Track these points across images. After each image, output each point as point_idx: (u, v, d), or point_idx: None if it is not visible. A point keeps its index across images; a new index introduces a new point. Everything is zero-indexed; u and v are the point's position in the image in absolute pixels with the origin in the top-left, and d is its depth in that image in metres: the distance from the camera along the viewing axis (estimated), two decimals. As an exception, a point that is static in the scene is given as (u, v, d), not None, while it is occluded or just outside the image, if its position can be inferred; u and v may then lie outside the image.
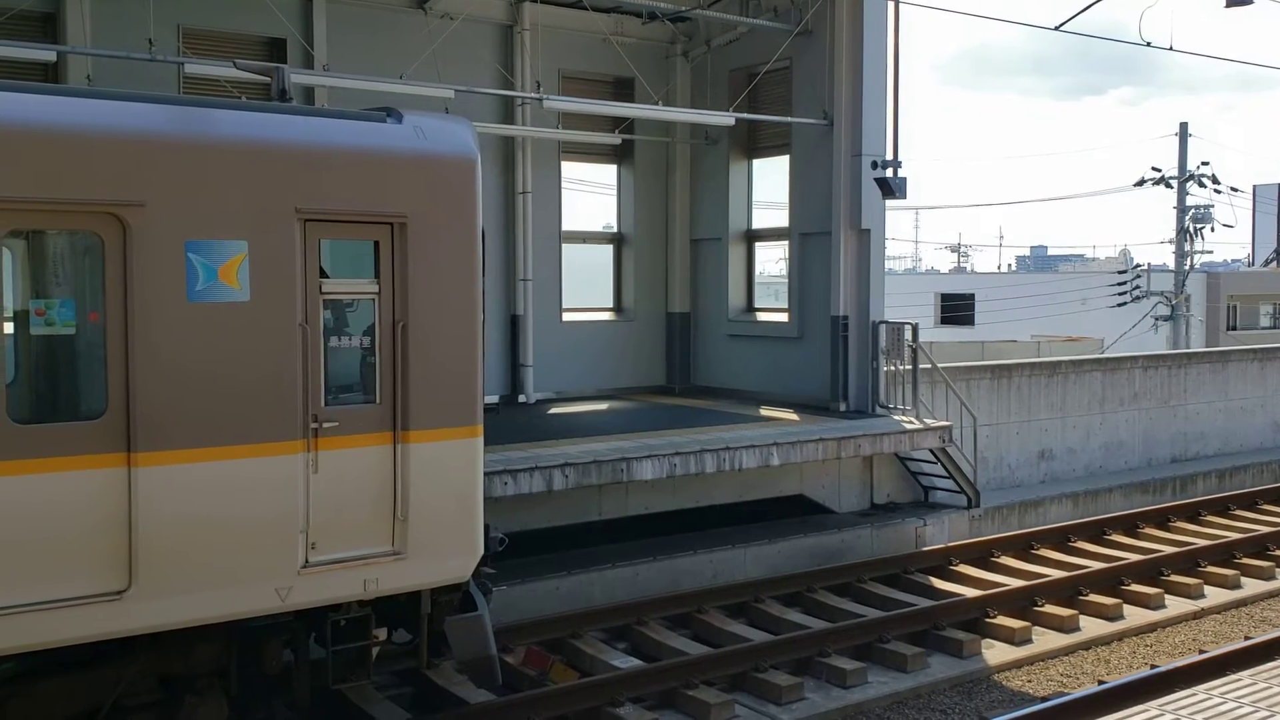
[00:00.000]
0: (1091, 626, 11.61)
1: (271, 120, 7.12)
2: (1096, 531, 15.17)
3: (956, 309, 51.35)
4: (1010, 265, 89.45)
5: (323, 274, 7.25)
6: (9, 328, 6.36)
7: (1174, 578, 13.01)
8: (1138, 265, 43.61)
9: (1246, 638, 11.25)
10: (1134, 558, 13.73)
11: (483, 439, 7.80)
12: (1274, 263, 62.14)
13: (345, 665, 7.57)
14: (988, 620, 11.36)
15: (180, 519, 6.63)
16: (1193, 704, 6.32)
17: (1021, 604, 11.82)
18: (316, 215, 7.10)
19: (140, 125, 6.63)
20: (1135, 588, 12.58)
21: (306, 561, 7.06)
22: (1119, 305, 41.35)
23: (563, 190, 16.91)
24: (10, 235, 6.34)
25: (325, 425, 7.12)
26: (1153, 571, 13.13)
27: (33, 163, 6.27)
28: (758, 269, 17.63)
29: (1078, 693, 9.49)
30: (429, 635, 7.91)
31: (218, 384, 6.76)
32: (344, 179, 7.20)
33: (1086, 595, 12.19)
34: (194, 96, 7.38)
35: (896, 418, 14.60)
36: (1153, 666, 10.23)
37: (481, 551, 7.84)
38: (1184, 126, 40.43)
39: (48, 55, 11.95)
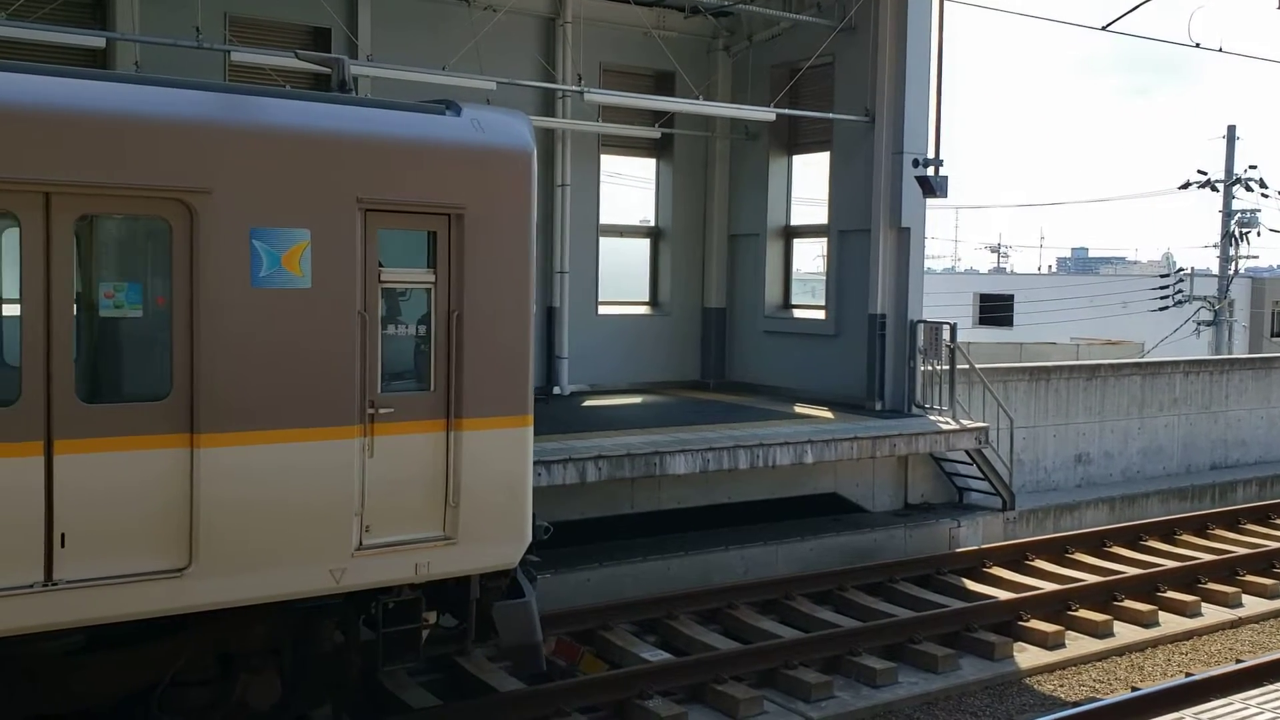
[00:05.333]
0: (1126, 632, 11.51)
1: (335, 111, 7.22)
2: (1133, 537, 15.02)
3: (995, 310, 50.95)
4: (1051, 267, 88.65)
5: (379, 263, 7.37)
6: (78, 310, 6.49)
7: (1211, 585, 12.85)
8: (1180, 269, 43.04)
9: (1284, 648, 11.11)
10: (1170, 564, 13.59)
11: (533, 428, 7.90)
12: (1321, 269, 61.15)
13: (395, 647, 7.67)
14: (1020, 623, 11.28)
15: (240, 500, 6.75)
16: (1227, 713, 6.25)
17: (1055, 608, 11.73)
18: (377, 205, 7.21)
19: (208, 113, 6.75)
20: (1171, 594, 12.44)
21: (360, 544, 7.19)
22: (1161, 309, 40.83)
23: (601, 183, 16.95)
24: (81, 219, 6.47)
25: (381, 411, 7.24)
26: (1189, 579, 12.99)
27: (103, 149, 6.38)
28: (795, 265, 17.58)
29: (1110, 699, 9.41)
30: (475, 620, 8.01)
31: (278, 368, 6.88)
32: (404, 170, 7.30)
33: (1121, 601, 12.07)
34: (260, 85, 7.51)
35: (932, 418, 14.52)
36: (1187, 675, 10.12)
37: (530, 539, 7.95)
38: (1232, 129, 39.82)
39: (96, 41, 12.11)
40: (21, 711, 6.94)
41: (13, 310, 6.38)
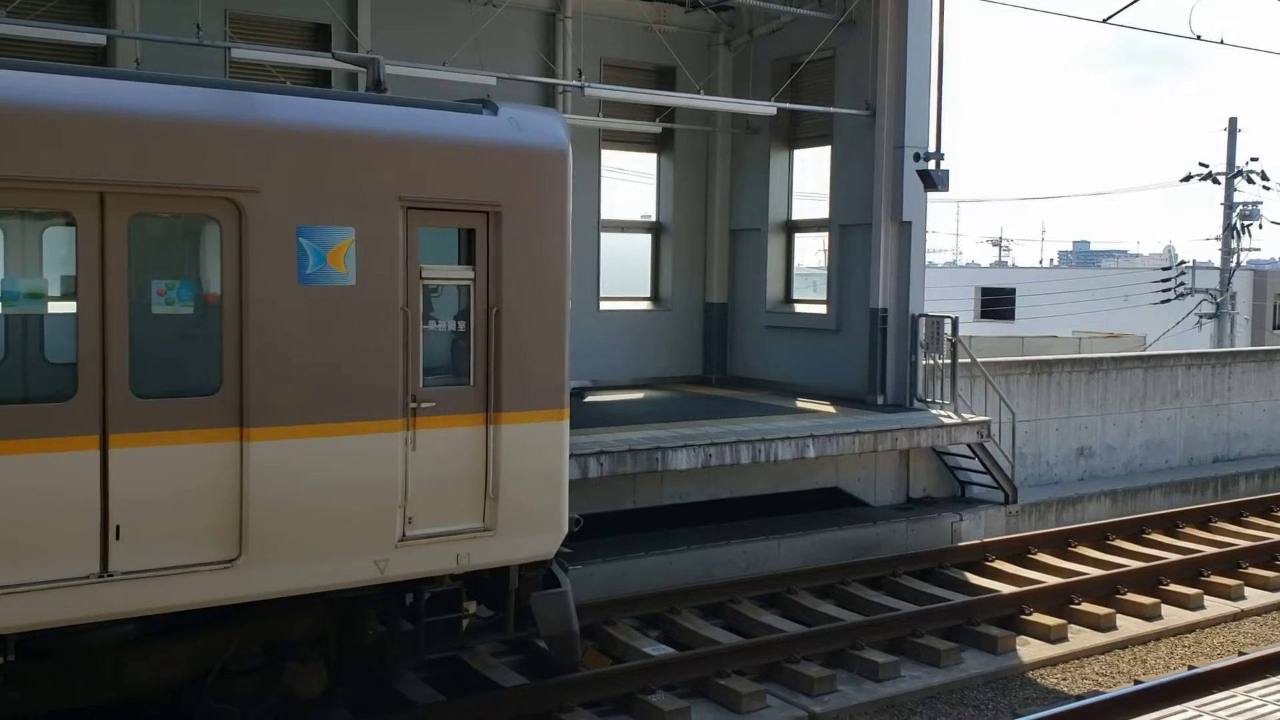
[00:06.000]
0: (1129, 626, 11.51)
1: (378, 111, 7.38)
2: (1135, 530, 15.02)
3: (997, 303, 50.92)
4: (1052, 260, 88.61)
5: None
6: (131, 307, 6.62)
7: (1214, 578, 12.86)
8: (1182, 262, 43.03)
9: (1287, 641, 11.11)
10: (1173, 557, 13.58)
11: (568, 422, 8.09)
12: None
13: (436, 636, 7.86)
14: (1023, 617, 11.29)
15: (288, 492, 6.93)
16: (1231, 706, 6.25)
17: (1058, 601, 11.73)
18: (418, 203, 7.37)
19: (255, 114, 6.92)
20: (1174, 588, 12.45)
21: (404, 535, 7.36)
22: (1162, 302, 40.81)
23: (602, 179, 16.94)
24: (135, 217, 6.60)
25: (423, 405, 7.43)
26: (1192, 572, 12.99)
27: (155, 149, 6.54)
28: (797, 260, 17.57)
29: (1113, 692, 9.41)
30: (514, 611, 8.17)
31: (324, 364, 7.05)
32: (444, 169, 7.47)
33: (1124, 594, 12.08)
34: (304, 87, 7.57)
35: (934, 412, 14.52)
36: (1190, 667, 10.12)
37: (566, 530, 8.12)
38: (1233, 121, 39.78)
39: (97, 39, 12.10)
40: (74, 701, 7.06)
41: (68, 308, 6.51)
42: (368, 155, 7.19)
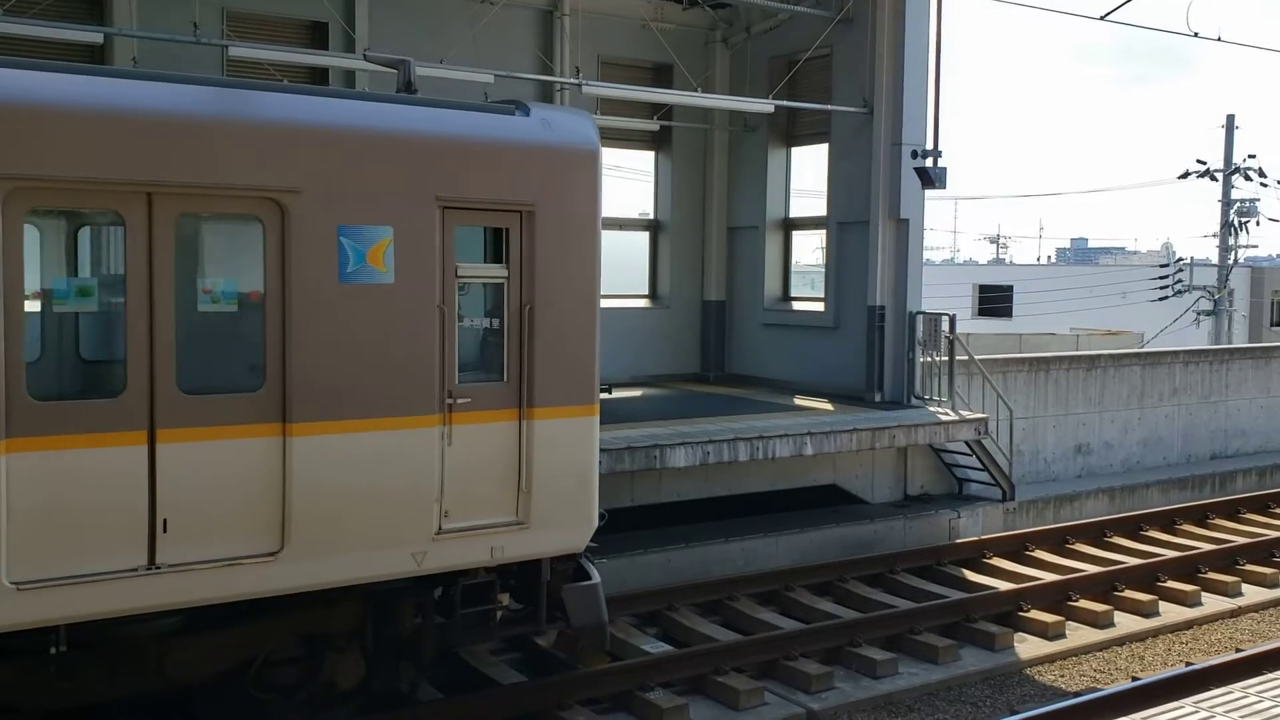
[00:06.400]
0: (1126, 623, 11.52)
1: (415, 113, 7.53)
2: (1133, 527, 15.03)
3: (994, 301, 50.93)
4: (1050, 257, 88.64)
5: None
6: (178, 305, 6.74)
7: (1211, 575, 12.87)
8: (1180, 259, 43.05)
9: (1284, 637, 11.13)
10: (1171, 554, 13.60)
11: (599, 417, 8.25)
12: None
13: (470, 629, 8.06)
14: (1021, 614, 11.30)
15: (329, 486, 7.09)
16: (1228, 702, 6.26)
17: (1055, 598, 11.75)
18: (454, 203, 7.53)
19: (297, 115, 7.07)
20: (1171, 584, 12.47)
21: (440, 529, 7.54)
22: (1160, 299, 40.83)
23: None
24: (181, 217, 6.74)
25: (459, 401, 7.61)
26: (1190, 568, 13.01)
27: (201, 150, 6.67)
28: (794, 258, 17.56)
29: (1111, 689, 9.42)
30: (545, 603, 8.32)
31: (364, 361, 7.20)
32: (479, 169, 7.63)
33: (1122, 591, 12.09)
34: (343, 89, 7.69)
35: (932, 409, 14.52)
36: (1188, 664, 10.14)
37: (596, 523, 8.29)
38: (1231, 118, 39.79)
39: (94, 37, 12.09)
40: (121, 691, 7.18)
41: (118, 305, 6.65)
42: (406, 156, 7.34)
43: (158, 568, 6.62)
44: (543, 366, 7.87)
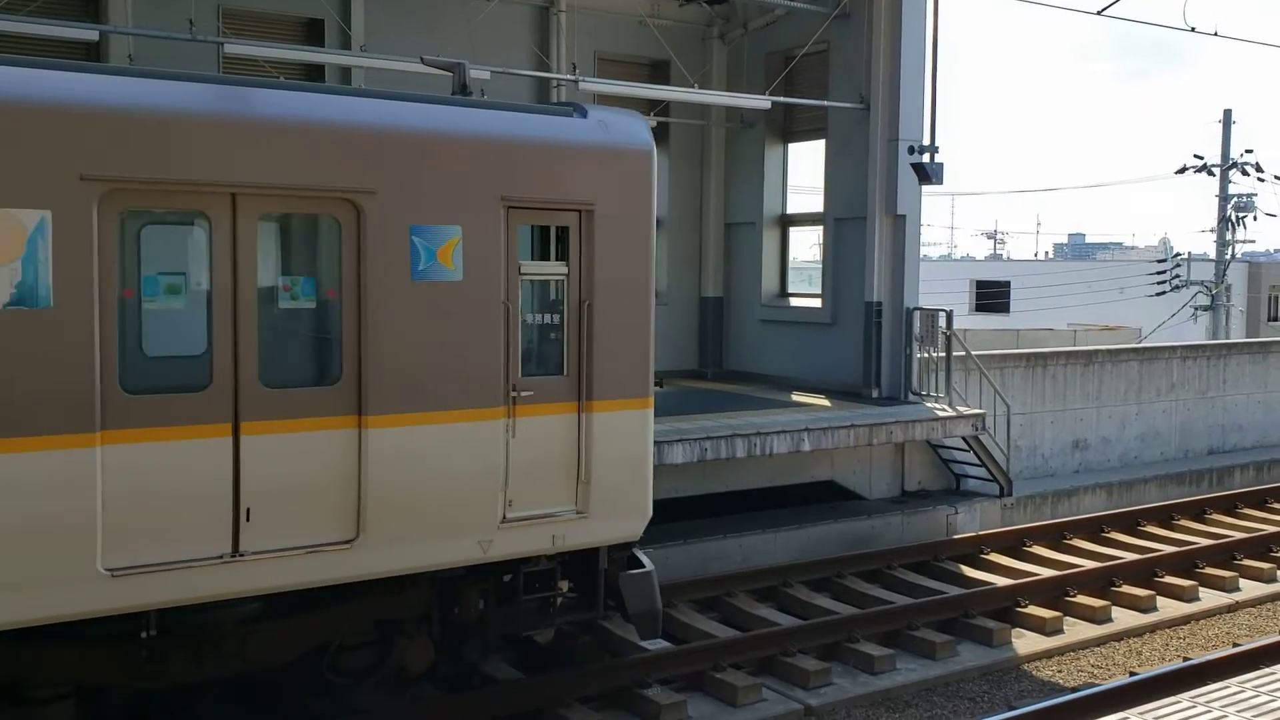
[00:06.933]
0: (1124, 618, 11.54)
1: (480, 115, 7.84)
2: (1130, 522, 15.05)
3: (992, 296, 50.97)
4: (1047, 253, 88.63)
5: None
6: (260, 301, 7.03)
7: (1208, 570, 12.89)
8: (1177, 254, 43.03)
9: (1281, 632, 11.14)
10: (1168, 549, 13.62)
11: (653, 410, 8.54)
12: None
13: (532, 615, 8.37)
14: (1018, 609, 11.30)
15: (402, 476, 7.37)
16: (1225, 697, 6.27)
17: (1053, 594, 11.75)
18: (518, 203, 7.82)
19: (372, 119, 7.36)
20: (1169, 580, 12.47)
21: (504, 517, 7.84)
22: (1158, 294, 40.85)
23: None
24: (263, 218, 7.03)
25: (522, 394, 7.90)
26: (1187, 564, 13.02)
27: (282, 153, 6.99)
28: (792, 254, 17.55)
29: (1108, 684, 9.44)
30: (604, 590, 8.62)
31: (434, 355, 7.50)
32: (542, 169, 7.94)
33: (1119, 586, 12.10)
34: (414, 92, 8.11)
35: (929, 405, 14.52)
36: (1185, 659, 10.15)
37: (650, 513, 8.56)
38: (1228, 114, 39.85)
39: (90, 35, 12.07)
40: (202, 674, 7.44)
41: (203, 301, 6.93)
42: (474, 157, 7.62)
43: (241, 555, 6.88)
44: (601, 360, 8.16)
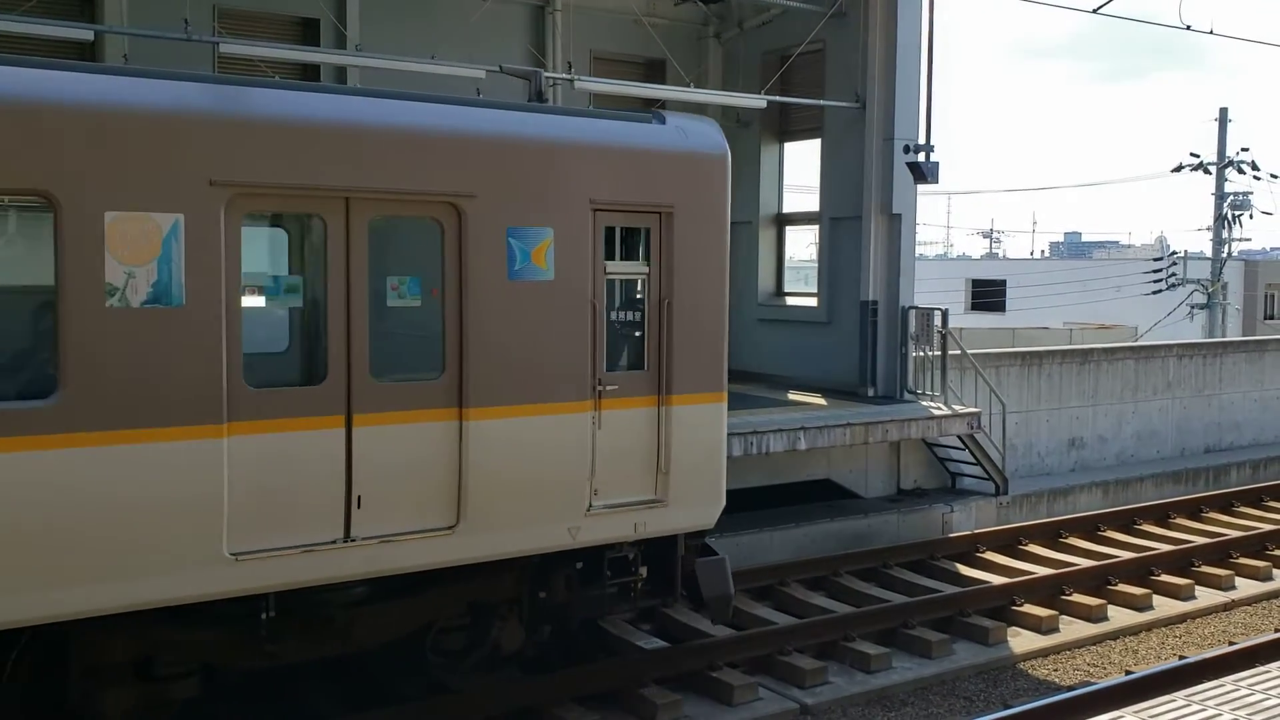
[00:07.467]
0: (1120, 616, 11.55)
1: (570, 122, 8.27)
2: (1127, 521, 15.06)
3: (987, 295, 50.98)
4: (1043, 251, 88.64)
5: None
6: (370, 300, 7.37)
7: (1205, 569, 12.90)
8: (1174, 252, 43.06)
9: (1277, 630, 11.17)
10: (1164, 548, 13.63)
11: (727, 403, 8.92)
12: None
13: (614, 599, 8.77)
14: (1014, 608, 11.31)
15: (499, 466, 7.76)
16: (1220, 695, 6.27)
17: (1049, 592, 11.76)
18: (604, 206, 8.23)
19: (473, 126, 7.74)
20: (1165, 578, 12.49)
21: (591, 506, 8.24)
22: (1154, 293, 40.87)
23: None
24: (374, 220, 7.38)
25: (607, 388, 8.31)
26: (1183, 562, 13.03)
27: (391, 159, 7.35)
28: (787, 253, 17.55)
29: (1104, 682, 9.45)
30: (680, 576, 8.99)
31: (528, 351, 7.89)
32: (626, 174, 8.33)
33: (1115, 585, 12.11)
34: (510, 101, 8.65)
35: (925, 404, 14.53)
36: (1181, 657, 10.17)
37: (724, 502, 8.96)
38: (1224, 112, 39.88)
39: (85, 34, 12.04)
40: (311, 655, 7.86)
41: (320, 300, 7.28)
42: (565, 162, 8.02)
43: (353, 540, 7.26)
44: (679, 356, 8.56)
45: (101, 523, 6.51)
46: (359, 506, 7.27)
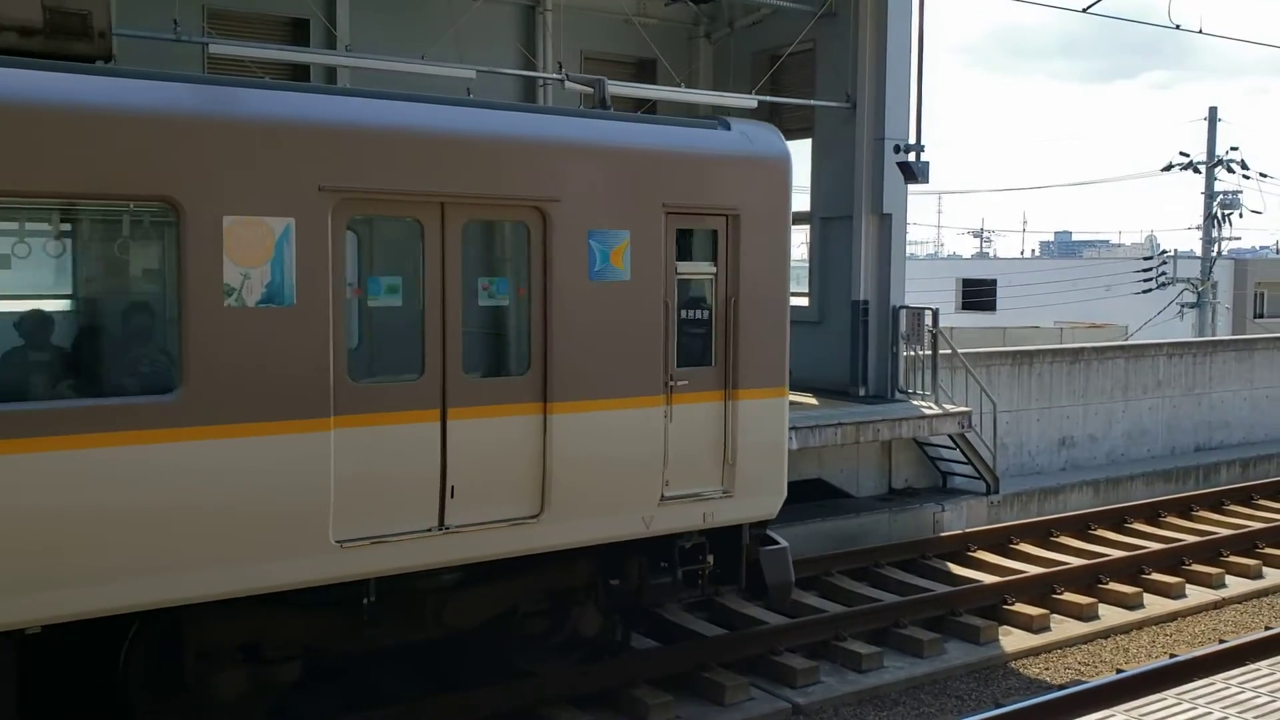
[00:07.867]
0: (1111, 615, 11.57)
1: (645, 129, 8.72)
2: (1117, 519, 15.09)
3: (978, 294, 51.09)
4: (1034, 251, 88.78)
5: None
6: (464, 299, 7.73)
7: (1195, 567, 12.93)
8: (1164, 251, 43.16)
9: (1267, 628, 11.19)
10: (1155, 546, 13.66)
11: (788, 398, 9.31)
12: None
13: (684, 586, 9.07)
14: (1005, 607, 11.33)
15: (580, 457, 8.12)
16: (1210, 693, 6.29)
17: (1040, 591, 11.78)
18: (676, 209, 8.60)
19: (555, 133, 8.13)
20: (1156, 576, 12.51)
21: (663, 496, 8.61)
22: (1144, 292, 40.96)
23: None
24: (467, 224, 7.74)
25: (678, 383, 8.68)
26: (1174, 560, 13.06)
27: (482, 165, 7.74)
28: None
29: (1095, 681, 9.47)
30: (736, 565, 9.31)
31: (607, 348, 8.27)
32: (696, 178, 8.70)
33: (1106, 583, 12.14)
34: (585, 109, 9.08)
35: (916, 403, 14.54)
36: (1172, 656, 10.19)
37: (786, 493, 9.32)
38: (1213, 111, 39.97)
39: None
40: (404, 637, 8.22)
41: (418, 299, 7.62)
42: (641, 167, 8.43)
43: (446, 528, 7.62)
44: (745, 352, 8.92)
45: (218, 512, 6.86)
46: (452, 496, 7.62)
